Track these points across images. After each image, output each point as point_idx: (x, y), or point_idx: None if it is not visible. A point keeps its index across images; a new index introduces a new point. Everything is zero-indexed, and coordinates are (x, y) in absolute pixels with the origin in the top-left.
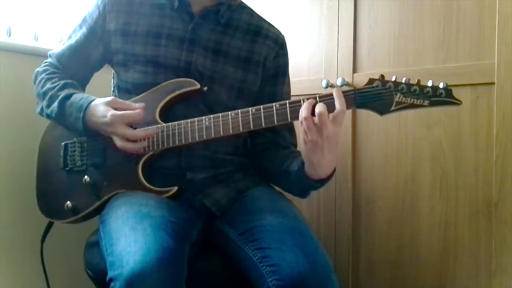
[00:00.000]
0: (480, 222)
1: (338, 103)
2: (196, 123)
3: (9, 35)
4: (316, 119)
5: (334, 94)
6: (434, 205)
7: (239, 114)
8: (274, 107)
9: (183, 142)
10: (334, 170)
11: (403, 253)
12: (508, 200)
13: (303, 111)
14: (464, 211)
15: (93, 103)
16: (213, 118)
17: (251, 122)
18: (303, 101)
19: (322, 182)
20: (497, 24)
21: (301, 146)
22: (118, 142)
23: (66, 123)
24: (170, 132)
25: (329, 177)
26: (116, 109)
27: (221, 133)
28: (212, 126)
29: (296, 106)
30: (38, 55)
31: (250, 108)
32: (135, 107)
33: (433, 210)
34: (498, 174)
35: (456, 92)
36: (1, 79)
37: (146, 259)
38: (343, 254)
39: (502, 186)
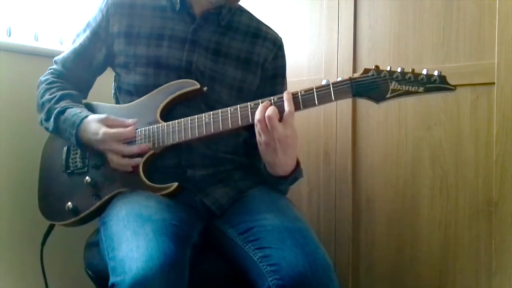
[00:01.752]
0: (480, 222)
1: (287, 105)
2: (196, 120)
3: (9, 35)
4: (266, 121)
5: (284, 97)
6: (434, 205)
7: (238, 108)
8: (272, 100)
9: (184, 139)
10: (296, 169)
11: (403, 253)
12: (508, 200)
13: (257, 114)
14: (464, 211)
15: (85, 120)
16: (213, 114)
17: (249, 116)
18: (301, 93)
19: (285, 179)
20: (497, 24)
21: (258, 146)
22: (114, 159)
23: (63, 137)
24: (171, 130)
25: (291, 175)
26: (109, 126)
27: (221, 128)
28: (212, 122)
29: (294, 99)
30: (38, 55)
31: (249, 103)
32: (128, 124)
33: (433, 210)
34: (498, 174)
35: (456, 92)
36: (1, 79)
37: (148, 265)
38: (343, 254)
39: (502, 186)
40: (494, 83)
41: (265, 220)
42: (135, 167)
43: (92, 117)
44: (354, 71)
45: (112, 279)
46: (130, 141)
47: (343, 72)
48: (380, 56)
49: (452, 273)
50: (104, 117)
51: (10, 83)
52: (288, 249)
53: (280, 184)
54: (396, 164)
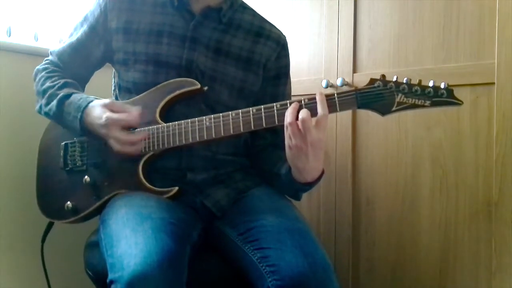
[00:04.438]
0: (480, 222)
1: (321, 108)
2: (196, 123)
3: (9, 35)
4: (299, 124)
5: (317, 99)
6: (434, 205)
7: (240, 114)
8: (275, 107)
9: (184, 142)
10: (322, 173)
11: (403, 253)
12: (508, 200)
13: (288, 117)
14: (464, 211)
15: (91, 104)
16: (214, 118)
17: (252, 122)
18: (304, 101)
19: (310, 185)
20: (497, 24)
21: (286, 151)
22: (115, 146)
23: (64, 123)
24: (171, 132)
25: (317, 180)
26: (113, 111)
27: (222, 133)
28: (213, 126)
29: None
30: (38, 55)
31: (251, 108)
32: (132, 111)
33: (433, 210)
34: (498, 174)
35: (456, 92)
36: (1, 79)
37: (147, 261)
38: (343, 254)
39: (502, 186)
40: (494, 83)
41: (264, 221)
42: (137, 160)
43: (98, 101)
44: (354, 71)
45: (110, 276)
46: (132, 129)
47: (343, 72)
48: (380, 56)
49: (452, 273)
50: (110, 102)
51: (10, 83)
52: (287, 249)
53: (304, 190)
54: (396, 164)
